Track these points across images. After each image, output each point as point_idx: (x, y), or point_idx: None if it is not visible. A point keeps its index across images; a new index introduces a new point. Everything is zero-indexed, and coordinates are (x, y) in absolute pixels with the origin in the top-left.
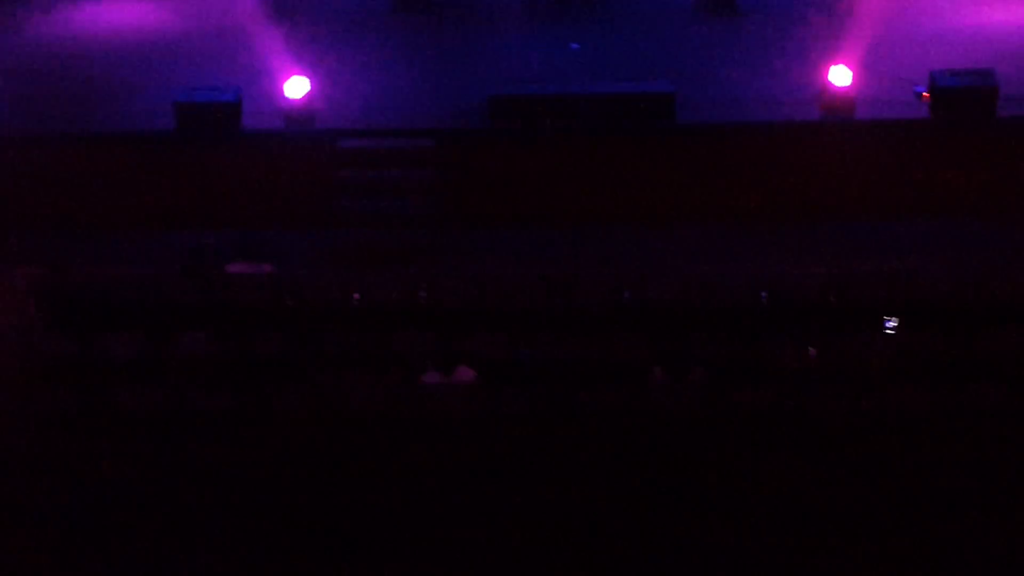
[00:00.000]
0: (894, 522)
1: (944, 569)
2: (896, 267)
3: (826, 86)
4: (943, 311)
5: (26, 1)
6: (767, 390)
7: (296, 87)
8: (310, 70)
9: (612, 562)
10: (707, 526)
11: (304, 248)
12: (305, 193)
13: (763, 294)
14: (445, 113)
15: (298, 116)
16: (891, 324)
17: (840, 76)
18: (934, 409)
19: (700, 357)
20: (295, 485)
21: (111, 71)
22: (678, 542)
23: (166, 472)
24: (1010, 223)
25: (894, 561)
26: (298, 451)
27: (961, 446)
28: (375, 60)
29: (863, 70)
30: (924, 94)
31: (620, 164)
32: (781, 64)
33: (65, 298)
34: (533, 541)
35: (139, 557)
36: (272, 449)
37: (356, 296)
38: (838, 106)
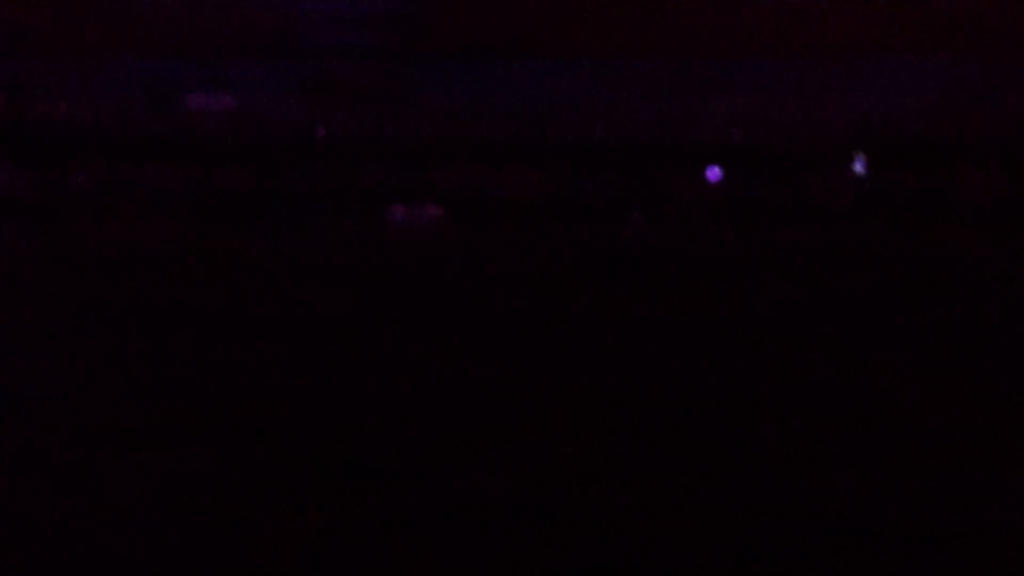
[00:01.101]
0: (859, 368)
1: (912, 425)
2: (870, 104)
3: None
4: (917, 149)
5: None
6: (732, 227)
7: None
8: None
9: (586, 413)
10: (679, 372)
11: (267, 80)
12: (268, 23)
13: (735, 131)
14: None
15: None
16: (860, 162)
17: None
18: (901, 248)
19: (671, 196)
20: (256, 327)
21: None
22: (656, 389)
23: (125, 311)
24: (990, 58)
25: (858, 418)
26: (259, 291)
27: (927, 288)
28: None
29: None
30: None
31: None
32: None
33: (21, 129)
34: (505, 390)
35: (94, 398)
36: (233, 289)
37: (320, 130)
38: None
